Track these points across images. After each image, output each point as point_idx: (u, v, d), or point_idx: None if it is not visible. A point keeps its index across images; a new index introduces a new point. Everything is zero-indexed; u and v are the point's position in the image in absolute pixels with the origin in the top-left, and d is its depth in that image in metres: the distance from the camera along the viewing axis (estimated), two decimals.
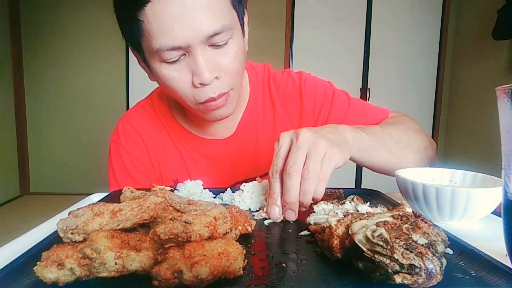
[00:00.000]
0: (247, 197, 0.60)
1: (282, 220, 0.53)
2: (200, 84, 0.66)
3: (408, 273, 0.30)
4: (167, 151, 0.86)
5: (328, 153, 0.53)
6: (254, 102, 0.87)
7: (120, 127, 0.87)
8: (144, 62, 0.72)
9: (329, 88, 0.89)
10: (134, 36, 0.65)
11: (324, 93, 0.87)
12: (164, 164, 0.85)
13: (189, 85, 0.67)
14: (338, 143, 0.57)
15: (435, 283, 0.31)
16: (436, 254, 0.32)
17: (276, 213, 0.52)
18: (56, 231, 0.37)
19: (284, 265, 0.37)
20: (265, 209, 0.54)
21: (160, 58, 0.64)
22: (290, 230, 0.49)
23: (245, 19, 0.74)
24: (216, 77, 0.67)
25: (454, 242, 0.40)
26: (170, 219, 0.34)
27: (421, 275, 0.30)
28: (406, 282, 0.30)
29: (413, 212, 0.38)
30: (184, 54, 0.64)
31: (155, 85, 0.94)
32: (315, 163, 0.52)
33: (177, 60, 0.65)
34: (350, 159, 0.64)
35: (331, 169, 0.54)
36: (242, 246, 0.36)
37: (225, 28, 0.64)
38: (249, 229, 0.45)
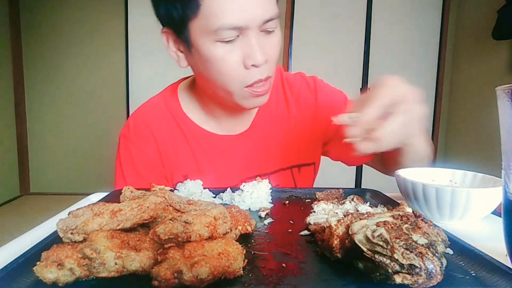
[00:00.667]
0: (247, 197, 0.60)
1: (281, 220, 0.53)
2: (252, 65, 0.68)
3: (408, 273, 0.30)
4: (178, 147, 0.85)
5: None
6: (268, 100, 0.88)
7: (131, 122, 0.87)
8: (184, 44, 0.72)
9: (343, 99, 0.93)
10: (186, 15, 0.66)
11: (338, 102, 0.91)
12: (174, 160, 0.85)
13: (240, 67, 0.69)
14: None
15: (435, 283, 0.31)
16: (436, 254, 0.32)
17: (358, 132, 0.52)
18: (56, 231, 0.37)
19: (284, 265, 0.37)
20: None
21: (216, 37, 0.66)
22: (290, 230, 0.49)
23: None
24: (266, 61, 0.69)
25: (454, 242, 0.40)
26: (170, 219, 0.34)
27: (421, 275, 0.30)
28: (406, 282, 0.30)
29: (413, 212, 0.38)
30: (238, 36, 0.67)
31: (154, 85, 0.95)
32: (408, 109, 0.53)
33: (231, 40, 0.67)
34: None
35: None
36: (242, 246, 0.36)
37: (276, 17, 0.69)
38: (249, 229, 0.45)
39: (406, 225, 0.34)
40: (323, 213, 0.49)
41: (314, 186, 0.95)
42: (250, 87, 0.71)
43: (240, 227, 0.44)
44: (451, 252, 0.39)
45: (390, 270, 0.31)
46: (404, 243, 0.31)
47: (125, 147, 0.85)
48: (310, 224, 0.47)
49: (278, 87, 0.91)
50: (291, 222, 0.52)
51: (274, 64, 0.74)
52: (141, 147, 0.84)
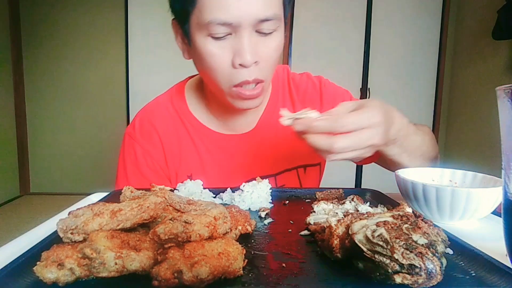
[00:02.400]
0: (247, 197, 0.60)
1: (281, 220, 0.53)
2: (239, 65, 0.67)
3: (408, 273, 0.30)
4: (183, 147, 0.85)
5: (363, 152, 0.55)
6: (274, 100, 0.89)
7: (137, 121, 0.87)
8: (186, 37, 0.73)
9: (347, 98, 0.92)
10: (186, 7, 0.67)
11: (342, 101, 0.90)
12: (179, 160, 0.85)
13: (228, 65, 0.68)
14: (371, 149, 0.58)
15: (435, 283, 0.31)
16: (436, 254, 0.32)
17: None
18: (56, 231, 0.37)
19: (284, 265, 0.37)
20: None
21: (208, 31, 0.66)
22: (290, 230, 0.49)
23: (287, 27, 0.77)
24: (256, 62, 0.68)
25: (454, 242, 0.40)
26: (170, 219, 0.34)
27: (421, 275, 0.30)
28: (406, 282, 0.30)
29: (413, 212, 0.38)
30: (230, 34, 0.66)
31: (155, 85, 0.94)
32: (349, 143, 0.53)
33: (222, 37, 0.66)
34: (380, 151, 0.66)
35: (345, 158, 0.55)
36: (242, 246, 0.36)
37: (275, 17, 0.67)
38: (249, 229, 0.45)
39: (406, 225, 0.34)
40: (323, 213, 0.49)
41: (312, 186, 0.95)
42: (238, 87, 0.70)
43: (240, 227, 0.44)
44: (451, 252, 0.39)
45: (390, 270, 0.31)
46: (404, 243, 0.31)
47: (130, 145, 0.85)
48: (310, 224, 0.47)
49: (285, 86, 0.91)
50: (291, 222, 0.52)
51: (269, 67, 0.72)
52: (146, 147, 0.84)
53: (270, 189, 0.62)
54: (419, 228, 0.34)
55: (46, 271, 0.31)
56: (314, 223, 0.47)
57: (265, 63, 0.70)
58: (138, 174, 0.83)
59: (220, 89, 0.72)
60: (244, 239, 0.44)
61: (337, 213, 0.48)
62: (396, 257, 0.31)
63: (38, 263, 0.32)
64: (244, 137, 0.86)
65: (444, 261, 0.33)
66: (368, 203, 0.52)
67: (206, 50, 0.68)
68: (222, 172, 0.84)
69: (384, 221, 0.35)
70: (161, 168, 0.85)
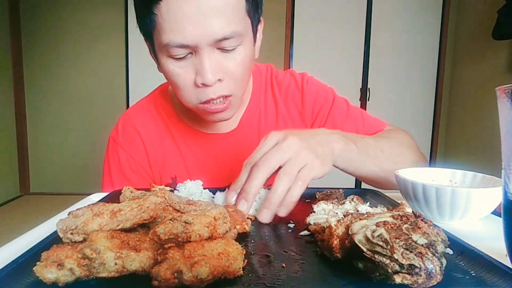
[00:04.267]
0: None
1: (281, 220, 0.53)
2: (202, 84, 0.67)
3: (408, 273, 0.30)
4: (166, 149, 0.87)
5: (309, 164, 0.54)
6: (256, 99, 0.89)
7: (120, 125, 0.88)
8: (154, 54, 0.74)
9: (330, 94, 0.91)
10: (147, 27, 0.67)
11: (324, 97, 0.90)
12: (163, 162, 0.86)
13: (192, 84, 0.69)
14: (322, 155, 0.57)
15: (435, 283, 0.31)
16: (436, 254, 0.32)
17: (232, 200, 0.54)
18: (56, 231, 0.37)
19: (284, 265, 0.37)
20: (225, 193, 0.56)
21: (168, 53, 0.66)
22: (290, 230, 0.49)
23: (260, 27, 0.76)
24: (219, 80, 0.68)
25: (454, 242, 0.40)
26: (170, 219, 0.34)
27: (421, 275, 0.30)
28: (406, 282, 0.30)
29: (413, 212, 0.38)
30: (191, 53, 0.66)
31: (155, 85, 0.95)
32: (292, 168, 0.52)
33: (183, 57, 0.66)
34: (337, 167, 0.65)
35: (310, 177, 0.54)
36: (241, 246, 0.36)
37: (235, 35, 0.65)
38: (247, 228, 0.45)
39: (406, 225, 0.34)
40: (323, 213, 0.49)
41: (313, 186, 0.95)
42: (202, 105, 0.71)
43: (238, 226, 0.44)
44: (451, 252, 0.39)
45: (390, 270, 0.31)
46: (404, 243, 0.31)
47: (113, 150, 0.87)
48: (310, 224, 0.47)
49: (267, 86, 0.92)
50: (291, 222, 0.52)
51: (236, 82, 0.71)
52: (129, 151, 0.86)
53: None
54: (419, 228, 0.34)
55: (46, 271, 0.31)
56: (314, 223, 0.47)
57: (230, 78, 0.69)
58: (123, 178, 0.84)
59: (188, 105, 0.74)
60: (243, 239, 0.44)
61: (337, 213, 0.48)
62: (396, 257, 0.31)
63: (38, 263, 0.32)
64: (226, 136, 0.87)
65: (444, 261, 0.33)
66: (368, 203, 0.52)
67: (169, 69, 0.68)
68: (206, 174, 0.84)
69: (384, 221, 0.35)
70: (145, 171, 0.86)
